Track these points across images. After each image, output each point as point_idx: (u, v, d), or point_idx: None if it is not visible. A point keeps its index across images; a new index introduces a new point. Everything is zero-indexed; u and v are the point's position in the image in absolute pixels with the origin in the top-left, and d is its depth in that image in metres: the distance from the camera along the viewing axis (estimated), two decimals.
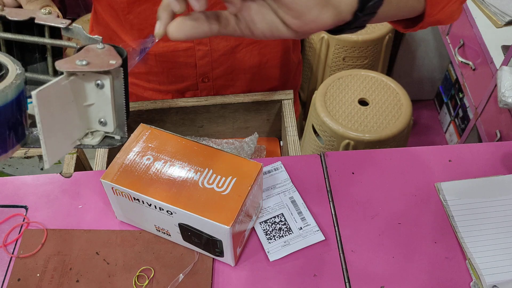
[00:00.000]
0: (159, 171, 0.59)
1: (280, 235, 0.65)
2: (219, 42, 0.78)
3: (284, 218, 0.66)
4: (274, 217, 0.66)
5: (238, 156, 0.60)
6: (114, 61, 0.37)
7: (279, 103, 0.86)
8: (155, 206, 0.58)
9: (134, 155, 0.60)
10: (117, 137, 0.40)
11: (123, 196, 0.59)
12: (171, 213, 0.57)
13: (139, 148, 0.61)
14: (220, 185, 0.58)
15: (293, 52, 0.93)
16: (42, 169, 0.84)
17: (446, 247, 0.64)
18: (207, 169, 0.59)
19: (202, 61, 0.80)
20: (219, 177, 0.58)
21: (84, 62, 0.36)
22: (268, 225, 0.65)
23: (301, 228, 0.65)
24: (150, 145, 0.61)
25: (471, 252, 0.62)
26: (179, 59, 0.80)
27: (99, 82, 0.37)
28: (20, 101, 0.34)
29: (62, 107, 0.36)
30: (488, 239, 0.64)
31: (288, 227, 0.65)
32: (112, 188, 0.59)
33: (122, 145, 0.43)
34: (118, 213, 0.66)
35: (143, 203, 0.58)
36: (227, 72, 0.84)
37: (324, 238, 0.65)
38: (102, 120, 0.39)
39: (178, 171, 0.59)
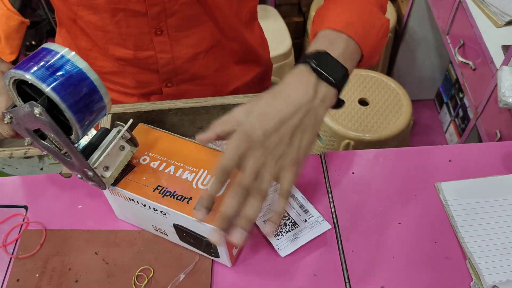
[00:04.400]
0: (155, 171, 0.59)
1: (287, 230, 0.64)
2: (180, 50, 0.78)
3: (287, 213, 0.66)
4: None
5: None
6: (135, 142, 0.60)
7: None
8: (149, 207, 0.58)
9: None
10: (103, 186, 0.57)
11: (119, 196, 0.59)
12: (165, 214, 0.57)
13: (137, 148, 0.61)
14: None
15: (262, 50, 0.92)
16: (41, 169, 0.83)
17: (446, 247, 0.64)
18: (201, 170, 0.59)
19: (164, 68, 0.80)
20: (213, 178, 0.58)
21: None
22: None
23: (306, 221, 0.65)
24: (147, 145, 0.61)
25: (471, 252, 0.62)
26: (141, 65, 0.80)
27: (124, 146, 0.58)
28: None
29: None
30: (488, 239, 0.64)
31: (293, 221, 0.65)
32: (109, 188, 0.59)
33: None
34: (118, 212, 0.66)
35: (138, 203, 0.58)
36: (191, 77, 0.84)
37: (331, 226, 0.65)
38: (107, 166, 0.56)
39: (173, 171, 0.59)
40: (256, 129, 0.54)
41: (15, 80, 0.49)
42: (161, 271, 0.62)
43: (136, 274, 0.62)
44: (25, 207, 0.69)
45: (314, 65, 0.56)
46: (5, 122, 0.53)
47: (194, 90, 0.87)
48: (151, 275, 0.62)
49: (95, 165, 0.54)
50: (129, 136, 0.58)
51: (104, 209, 0.68)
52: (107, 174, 0.56)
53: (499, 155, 0.74)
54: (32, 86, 0.48)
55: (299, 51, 2.08)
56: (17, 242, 0.65)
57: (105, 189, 0.57)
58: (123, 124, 0.57)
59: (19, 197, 0.70)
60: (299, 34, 2.11)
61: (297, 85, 0.56)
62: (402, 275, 0.61)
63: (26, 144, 0.55)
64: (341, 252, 0.64)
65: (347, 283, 0.61)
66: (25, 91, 0.51)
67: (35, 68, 0.46)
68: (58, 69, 0.46)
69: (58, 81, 0.46)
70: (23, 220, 0.68)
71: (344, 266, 0.62)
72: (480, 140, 1.44)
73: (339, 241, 0.65)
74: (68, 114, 0.47)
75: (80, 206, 0.69)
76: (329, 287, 0.60)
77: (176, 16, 0.73)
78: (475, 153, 0.74)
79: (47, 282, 0.61)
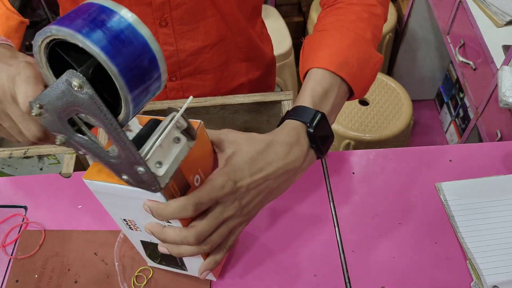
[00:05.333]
0: None
1: None
2: (185, 43, 0.78)
3: None
4: None
5: None
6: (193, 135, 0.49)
7: (279, 103, 0.85)
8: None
9: (189, 168, 0.52)
10: (157, 187, 0.45)
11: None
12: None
13: (193, 157, 0.53)
14: None
15: (263, 45, 0.92)
16: (41, 169, 0.83)
17: (446, 247, 0.64)
18: None
19: (168, 61, 0.80)
20: None
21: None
22: None
23: None
24: (202, 159, 0.53)
25: (472, 252, 0.62)
26: None
27: (179, 138, 0.47)
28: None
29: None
30: (488, 239, 0.64)
31: None
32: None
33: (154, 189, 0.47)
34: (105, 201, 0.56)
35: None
36: (195, 72, 0.84)
37: None
38: (160, 162, 0.45)
39: None
40: (245, 176, 0.51)
41: (49, 42, 0.38)
42: (160, 271, 0.62)
43: (136, 274, 0.62)
44: (25, 207, 0.69)
45: (311, 132, 0.55)
46: (33, 114, 0.42)
47: (198, 85, 0.87)
48: (150, 276, 0.62)
49: (148, 157, 0.43)
50: (185, 125, 0.48)
51: (104, 209, 0.68)
52: (161, 171, 0.45)
53: (499, 155, 0.74)
54: (65, 58, 0.39)
55: (299, 51, 2.08)
56: (17, 242, 0.65)
57: (159, 191, 0.46)
58: (178, 109, 0.47)
59: (19, 197, 0.70)
60: (299, 34, 2.11)
61: (292, 148, 0.54)
62: (402, 275, 0.61)
63: (58, 143, 0.45)
64: (341, 252, 0.63)
65: (347, 283, 0.61)
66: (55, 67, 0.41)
67: (86, 26, 0.36)
68: (113, 29, 0.37)
69: (111, 42, 0.36)
70: (22, 220, 0.68)
71: (344, 266, 0.62)
72: (481, 140, 1.44)
73: (339, 241, 0.64)
74: (120, 81, 0.37)
75: (80, 206, 0.69)
76: (329, 287, 0.60)
77: (181, 8, 0.73)
78: (476, 153, 0.74)
79: (46, 283, 0.61)
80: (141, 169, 0.43)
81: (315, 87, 0.59)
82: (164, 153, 0.46)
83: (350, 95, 0.63)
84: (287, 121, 0.56)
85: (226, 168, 0.50)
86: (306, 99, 0.58)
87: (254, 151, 0.52)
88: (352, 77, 0.60)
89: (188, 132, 0.48)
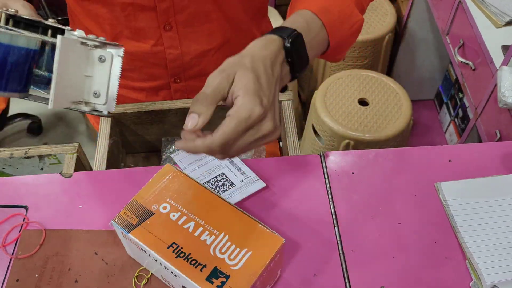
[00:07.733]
0: (173, 225, 0.55)
1: (224, 189, 0.68)
2: (189, 45, 0.78)
3: (226, 176, 0.70)
4: (216, 176, 0.70)
5: (259, 223, 0.56)
6: (118, 43, 0.46)
7: (278, 104, 0.85)
8: (160, 263, 0.54)
9: (152, 199, 0.56)
10: (105, 112, 0.45)
11: (132, 242, 0.56)
12: (176, 275, 0.53)
13: (158, 192, 0.57)
14: (232, 257, 0.53)
15: None
16: (42, 169, 0.84)
17: (446, 247, 0.64)
18: (222, 234, 0.54)
19: (173, 63, 0.80)
20: (233, 246, 0.54)
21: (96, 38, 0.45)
22: (211, 183, 0.70)
23: (242, 181, 0.69)
24: (171, 190, 0.57)
25: (471, 252, 0.62)
26: (150, 60, 0.80)
27: (102, 56, 0.44)
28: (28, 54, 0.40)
29: (73, 64, 0.42)
30: (488, 239, 0.64)
31: (230, 181, 0.69)
32: (122, 232, 0.55)
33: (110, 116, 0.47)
34: (128, 250, 0.62)
35: (150, 256, 0.55)
36: (200, 74, 0.84)
37: (265, 185, 0.68)
38: (96, 92, 0.44)
39: (192, 229, 0.55)
40: (255, 110, 0.52)
41: None
42: None
43: (136, 274, 0.62)
44: (25, 207, 0.69)
45: (287, 46, 0.56)
46: None
47: (202, 86, 0.88)
48: (150, 275, 0.62)
49: (51, 105, 0.41)
50: (98, 41, 0.45)
51: (104, 209, 0.68)
52: (101, 100, 0.45)
53: (498, 155, 0.74)
54: None
55: None
56: (17, 242, 0.66)
57: (111, 116, 0.49)
58: (67, 28, 0.44)
59: (19, 197, 0.70)
60: None
61: (273, 64, 0.55)
62: (402, 275, 0.61)
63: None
64: (341, 252, 0.64)
65: (347, 283, 0.61)
66: None
67: None
68: None
69: None
70: (23, 220, 0.68)
71: (344, 266, 0.62)
72: (480, 140, 1.44)
73: (339, 241, 0.65)
74: None
75: (80, 206, 0.69)
76: (329, 287, 0.60)
77: (185, 12, 0.73)
78: (475, 153, 0.74)
79: (47, 282, 0.61)
80: (85, 108, 0.44)
81: (298, 19, 0.59)
82: (96, 79, 0.44)
83: (325, 50, 0.64)
84: (264, 36, 0.56)
85: (237, 115, 0.53)
86: (285, 24, 0.58)
87: (254, 84, 0.53)
88: (331, 26, 0.61)
89: (107, 43, 0.46)
